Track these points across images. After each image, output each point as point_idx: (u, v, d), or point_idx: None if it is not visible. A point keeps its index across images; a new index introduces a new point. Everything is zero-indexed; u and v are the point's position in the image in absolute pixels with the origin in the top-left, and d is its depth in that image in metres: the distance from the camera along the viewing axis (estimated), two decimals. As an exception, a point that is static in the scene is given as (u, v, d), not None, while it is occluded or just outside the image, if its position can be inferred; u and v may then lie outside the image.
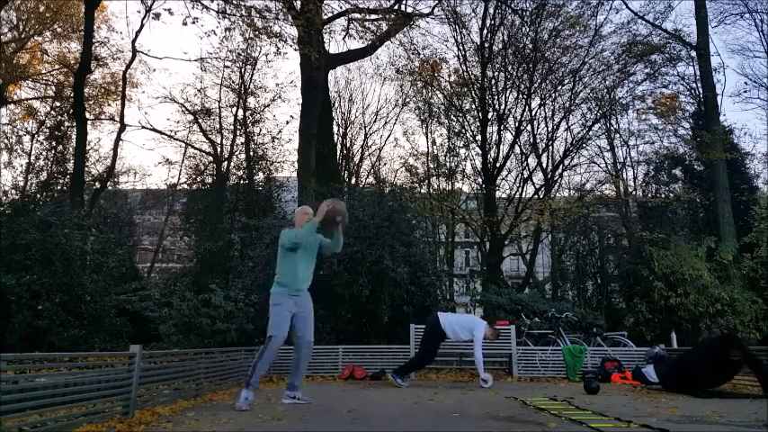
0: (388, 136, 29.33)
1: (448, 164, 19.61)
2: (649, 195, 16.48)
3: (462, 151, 18.64)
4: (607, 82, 14.91)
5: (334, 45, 23.68)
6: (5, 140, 19.02)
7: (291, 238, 4.57)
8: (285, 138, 23.90)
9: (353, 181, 19.40)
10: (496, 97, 15.31)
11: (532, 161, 15.82)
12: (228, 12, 12.16)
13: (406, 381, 6.41)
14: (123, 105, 17.83)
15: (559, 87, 15.09)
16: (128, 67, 17.67)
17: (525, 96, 14.95)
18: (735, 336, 5.62)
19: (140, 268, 18.58)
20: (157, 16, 13.29)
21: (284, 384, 4.96)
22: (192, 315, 8.16)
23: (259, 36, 12.74)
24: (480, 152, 15.68)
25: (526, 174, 15.79)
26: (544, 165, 15.71)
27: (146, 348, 4.69)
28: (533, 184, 15.89)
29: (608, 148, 17.84)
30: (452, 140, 18.93)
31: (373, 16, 13.73)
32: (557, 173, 15.75)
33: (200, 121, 18.49)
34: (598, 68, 14.76)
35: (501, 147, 15.51)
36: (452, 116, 17.60)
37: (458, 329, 6.49)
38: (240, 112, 18.07)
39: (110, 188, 20.12)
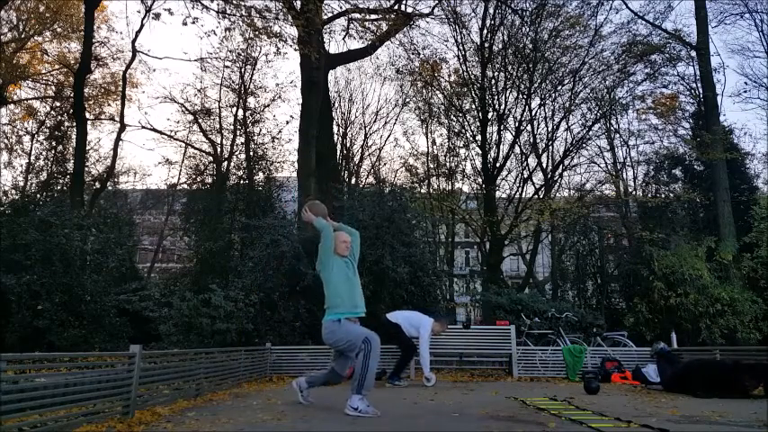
0: (388, 136, 29.47)
1: (448, 164, 19.64)
2: (649, 195, 16.47)
3: (462, 151, 18.68)
4: (607, 82, 14.93)
5: (334, 45, 23.76)
6: (5, 140, 19.03)
7: (327, 235, 4.22)
8: (285, 138, 23.98)
9: (353, 181, 19.43)
10: (496, 97, 15.32)
11: (532, 161, 15.85)
12: (228, 12, 12.17)
13: (404, 381, 6.43)
14: (123, 105, 17.85)
15: (559, 87, 15.10)
16: (128, 67, 17.69)
17: (525, 96, 14.95)
18: (755, 365, 5.38)
19: (140, 268, 18.57)
20: (157, 16, 13.31)
21: (284, 384, 4.95)
22: (192, 315, 8.16)
23: (259, 36, 12.75)
24: (480, 152, 15.69)
25: (526, 174, 15.81)
26: (544, 165, 15.73)
27: (146, 348, 4.69)
28: (533, 184, 15.92)
29: (608, 148, 17.89)
30: (452, 140, 18.97)
31: (373, 16, 13.75)
32: (557, 173, 15.76)
33: (200, 121, 18.50)
34: (598, 68, 14.78)
35: (501, 147, 15.54)
36: (452, 116, 17.61)
37: (406, 325, 6.64)
38: (240, 112, 18.10)
39: (110, 188, 20.12)
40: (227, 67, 18.09)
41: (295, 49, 12.01)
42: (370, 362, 3.93)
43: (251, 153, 17.29)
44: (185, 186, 19.46)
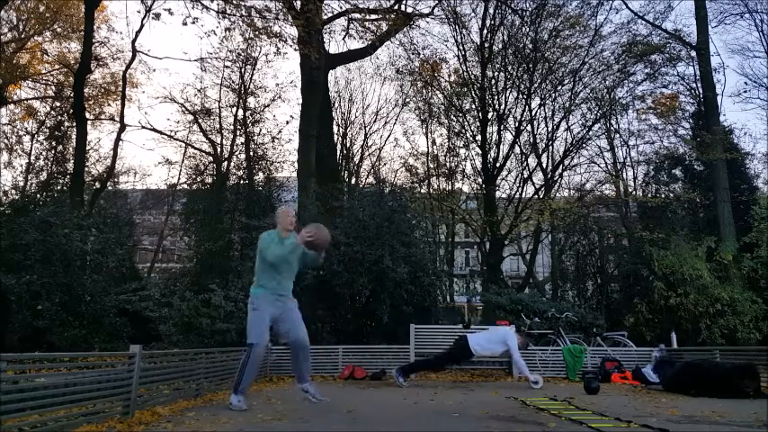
0: (388, 136, 29.39)
1: (448, 164, 19.63)
2: (649, 195, 16.46)
3: (462, 151, 18.67)
4: (607, 82, 14.92)
5: (334, 45, 23.72)
6: (5, 140, 19.01)
7: (275, 258, 4.41)
8: (285, 138, 23.91)
9: (353, 181, 19.43)
10: (496, 97, 15.31)
11: (532, 161, 15.83)
12: (228, 12, 12.16)
13: (406, 381, 6.43)
14: (123, 105, 17.83)
15: (559, 87, 15.09)
16: (128, 67, 17.68)
17: (525, 96, 14.95)
18: (752, 367, 5.42)
19: (140, 268, 18.57)
20: (157, 16, 13.29)
21: (285, 384, 4.96)
22: (191, 315, 8.17)
23: (259, 36, 12.74)
24: (480, 152, 15.68)
25: (526, 174, 15.79)
26: (544, 165, 15.71)
27: (146, 348, 4.68)
28: (533, 184, 15.90)
29: (608, 148, 17.88)
30: (452, 140, 18.95)
31: (373, 16, 13.74)
32: (557, 173, 15.75)
33: (200, 121, 18.49)
34: (598, 68, 14.77)
35: (501, 147, 15.52)
36: (452, 116, 17.60)
37: (489, 344, 6.52)
38: (240, 112, 18.08)
39: (110, 188, 20.10)
40: (227, 67, 18.10)
41: (295, 49, 12.01)
42: (246, 369, 4.21)
43: (251, 153, 17.28)
44: (185, 186, 19.46)
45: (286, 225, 4.61)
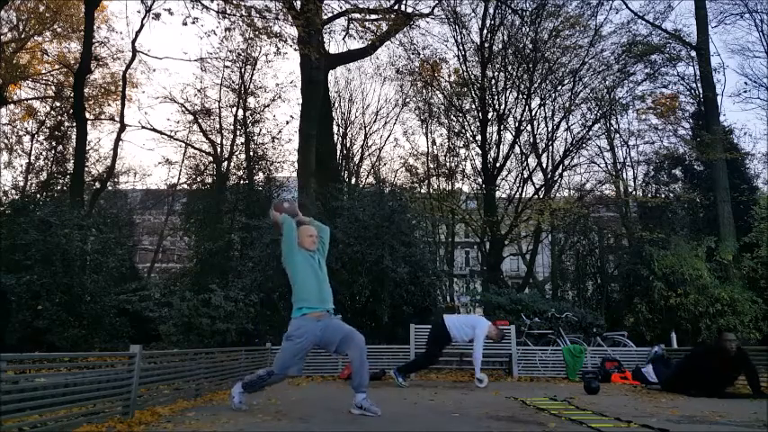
0: (388, 136, 29.49)
1: (448, 164, 19.63)
2: (649, 195, 16.48)
3: (462, 151, 18.67)
4: (607, 82, 14.94)
5: (334, 45, 23.74)
6: (5, 140, 19.03)
7: (289, 233, 4.06)
8: (285, 138, 24.02)
9: (353, 181, 19.40)
10: (496, 97, 15.32)
11: (532, 161, 15.85)
12: (228, 12, 12.16)
13: (406, 381, 6.42)
14: (123, 105, 17.84)
15: (559, 87, 15.11)
16: (128, 67, 17.69)
17: (525, 96, 14.96)
18: (745, 353, 5.61)
19: (140, 268, 18.60)
20: (157, 16, 13.28)
21: (285, 384, 4.92)
22: (191, 315, 8.16)
23: (259, 36, 12.74)
24: (480, 152, 15.69)
25: (526, 174, 15.82)
26: (544, 165, 15.73)
27: (146, 348, 4.68)
28: (533, 184, 15.92)
29: (608, 148, 17.89)
30: (452, 140, 18.95)
31: (373, 16, 13.72)
32: (557, 173, 15.76)
33: (200, 121, 18.51)
34: (598, 68, 14.79)
35: (501, 147, 15.54)
36: (452, 116, 17.61)
37: (460, 325, 6.52)
38: (240, 112, 18.11)
39: (110, 188, 20.11)
40: (227, 67, 18.13)
41: (295, 49, 11.99)
42: (263, 384, 4.07)
43: (251, 153, 17.29)
44: (185, 186, 19.48)
45: (308, 244, 4.17)
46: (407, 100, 19.95)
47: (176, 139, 19.58)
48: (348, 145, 20.63)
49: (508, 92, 15.26)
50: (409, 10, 14.11)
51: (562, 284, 15.20)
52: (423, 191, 18.84)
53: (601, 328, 9.57)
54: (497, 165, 15.43)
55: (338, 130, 19.49)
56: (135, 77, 19.83)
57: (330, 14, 13.26)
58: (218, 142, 18.25)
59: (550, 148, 15.90)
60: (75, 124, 15.41)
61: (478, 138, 15.78)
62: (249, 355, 6.73)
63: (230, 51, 17.51)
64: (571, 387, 6.36)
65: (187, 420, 3.62)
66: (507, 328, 7.91)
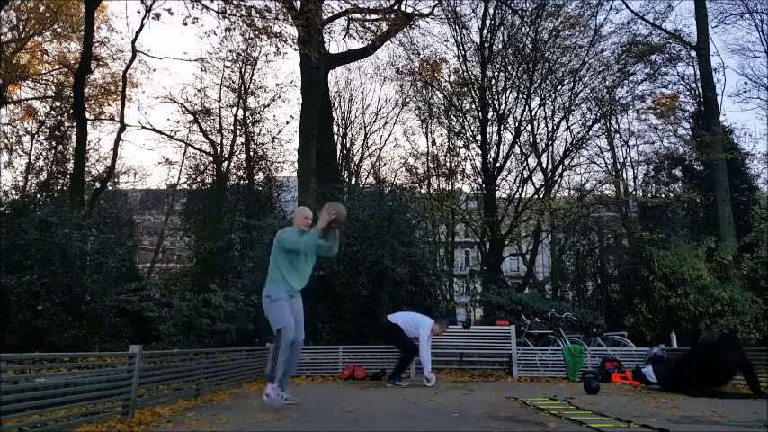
0: (388, 136, 29.50)
1: (448, 164, 19.63)
2: (649, 195, 16.49)
3: (462, 151, 18.69)
4: (607, 82, 14.94)
5: (334, 45, 23.76)
6: (5, 140, 19.04)
7: (293, 245, 4.48)
8: (285, 138, 24.00)
9: (353, 181, 19.41)
10: (496, 97, 15.32)
11: (532, 161, 15.85)
12: (228, 12, 12.16)
13: (404, 381, 6.43)
14: (123, 105, 17.84)
15: (559, 87, 15.11)
16: (128, 67, 17.69)
17: (525, 96, 14.96)
18: (734, 337, 5.66)
19: (140, 268, 18.59)
20: (157, 16, 13.27)
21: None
22: (191, 315, 8.17)
23: (259, 36, 12.74)
24: (480, 152, 15.70)
25: (526, 174, 15.81)
26: (544, 165, 15.73)
27: (146, 348, 4.68)
28: (533, 184, 15.92)
29: (608, 148, 17.90)
30: (452, 140, 18.97)
31: (373, 16, 13.72)
32: (557, 173, 15.76)
33: (200, 121, 18.51)
34: (598, 68, 14.79)
35: (501, 147, 15.55)
36: (452, 116, 17.62)
37: (406, 325, 6.65)
38: (240, 112, 18.11)
39: (110, 188, 20.13)
40: (227, 67, 18.13)
41: (295, 49, 12.00)
42: (279, 356, 4.26)
43: (251, 153, 17.30)
44: (185, 186, 19.48)
45: (301, 224, 4.69)
46: (407, 100, 19.99)
47: (176, 139, 19.62)
48: (348, 145, 20.66)
49: (508, 92, 15.27)
50: (409, 10, 14.12)
51: (562, 284, 15.20)
52: (423, 191, 18.84)
53: (601, 328, 9.56)
54: (497, 165, 15.43)
55: (338, 130, 19.52)
56: (135, 77, 19.87)
57: (330, 14, 13.28)
58: (218, 142, 18.27)
59: (550, 148, 15.92)
60: (75, 124, 15.41)
61: (478, 138, 15.79)
62: (249, 355, 6.73)
63: (230, 51, 17.54)
64: (571, 387, 6.36)
65: (187, 420, 3.62)
66: (507, 328, 7.92)
